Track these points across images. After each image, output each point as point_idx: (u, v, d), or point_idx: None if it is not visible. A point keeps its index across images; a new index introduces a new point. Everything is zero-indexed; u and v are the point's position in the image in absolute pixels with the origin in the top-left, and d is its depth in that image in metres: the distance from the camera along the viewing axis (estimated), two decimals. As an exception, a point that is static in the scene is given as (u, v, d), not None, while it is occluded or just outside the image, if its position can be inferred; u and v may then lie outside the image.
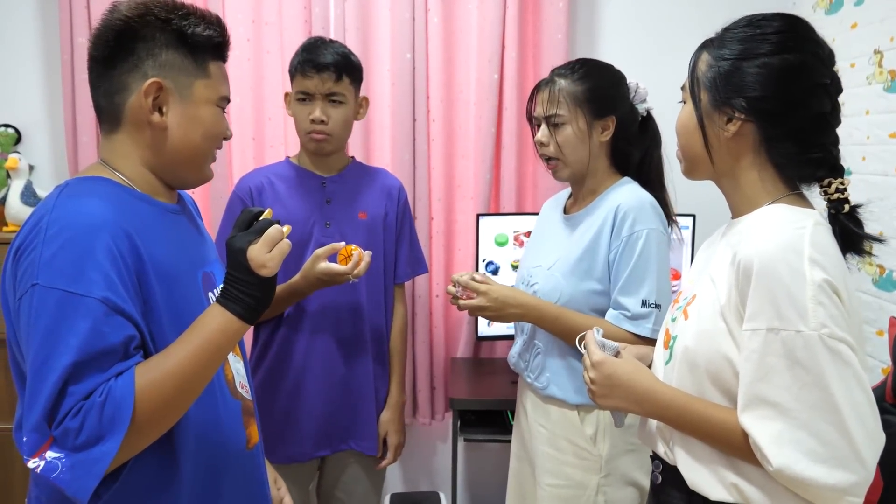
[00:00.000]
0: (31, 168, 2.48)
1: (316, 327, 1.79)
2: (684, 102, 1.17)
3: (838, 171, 1.10)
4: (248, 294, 1.02)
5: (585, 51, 2.49)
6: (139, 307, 1.00)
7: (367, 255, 1.66)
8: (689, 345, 1.11)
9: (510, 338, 2.44)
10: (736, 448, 1.05)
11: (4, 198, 2.42)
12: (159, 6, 1.10)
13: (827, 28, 2.24)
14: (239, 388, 1.20)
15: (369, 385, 1.86)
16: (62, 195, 1.03)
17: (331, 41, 1.81)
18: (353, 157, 1.93)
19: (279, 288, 1.72)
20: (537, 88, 1.64)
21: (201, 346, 0.99)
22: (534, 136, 1.66)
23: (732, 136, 1.10)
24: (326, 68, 1.72)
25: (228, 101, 1.19)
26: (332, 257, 1.67)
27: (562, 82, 1.59)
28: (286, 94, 1.84)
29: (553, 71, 1.64)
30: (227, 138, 1.20)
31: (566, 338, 1.55)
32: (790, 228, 1.02)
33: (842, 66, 2.13)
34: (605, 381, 1.16)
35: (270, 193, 1.80)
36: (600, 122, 1.59)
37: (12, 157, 2.40)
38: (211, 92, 1.14)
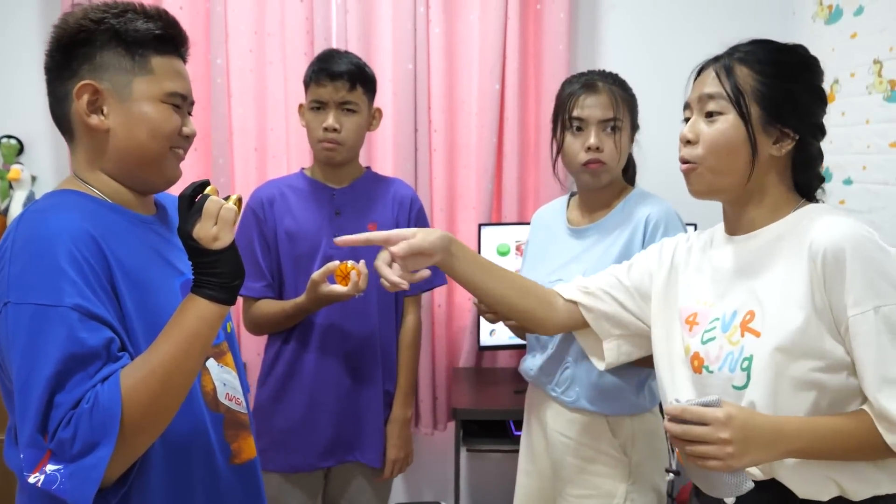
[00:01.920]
0: (34, 178, 2.49)
1: (325, 338, 1.78)
2: (713, 116, 1.15)
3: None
4: (212, 273, 1.01)
5: (587, 62, 2.50)
6: (115, 311, 1.00)
7: (362, 266, 1.65)
8: (783, 360, 1.06)
9: (512, 347, 2.46)
10: (876, 449, 1.04)
11: (7, 209, 2.42)
12: (96, 9, 1.08)
13: (827, 38, 2.27)
14: (224, 400, 1.17)
15: (377, 397, 1.84)
16: (27, 211, 1.03)
17: (346, 52, 1.82)
18: (367, 168, 1.91)
19: (287, 305, 1.74)
20: (581, 90, 1.59)
21: (181, 337, 0.98)
22: (567, 140, 1.59)
23: (781, 154, 1.14)
24: (340, 76, 1.73)
25: (182, 96, 1.13)
26: (331, 276, 1.66)
27: (614, 88, 1.57)
28: (300, 106, 1.84)
29: (591, 75, 1.62)
30: (187, 136, 1.15)
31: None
32: (849, 220, 1.08)
33: (842, 76, 2.18)
34: (742, 435, 1.01)
35: (282, 205, 1.80)
36: (633, 132, 1.63)
37: (15, 167, 2.41)
38: (153, 88, 1.09)
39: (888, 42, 1.97)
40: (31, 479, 0.90)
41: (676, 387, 1.21)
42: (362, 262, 1.67)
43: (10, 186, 2.43)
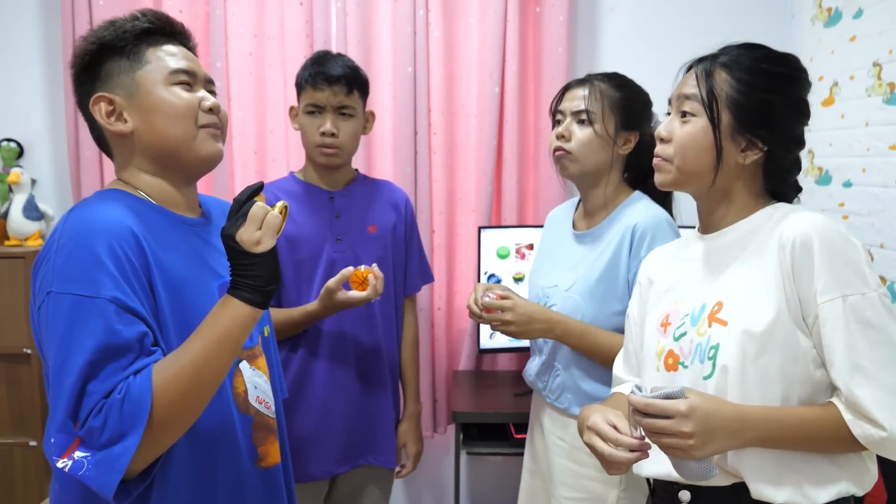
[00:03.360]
0: (34, 182, 2.48)
1: (334, 345, 1.78)
2: (686, 116, 1.16)
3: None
4: (250, 276, 1.02)
5: (586, 64, 2.50)
6: (150, 307, 1.03)
7: (377, 270, 1.65)
8: (751, 348, 1.07)
9: (513, 350, 2.46)
10: (842, 440, 1.04)
11: (6, 212, 2.41)
12: (96, 30, 1.15)
13: (826, 40, 2.27)
14: (255, 403, 1.19)
15: (387, 398, 1.85)
16: (75, 208, 1.08)
17: (339, 55, 1.81)
18: (357, 170, 1.92)
19: (295, 312, 1.72)
20: (568, 86, 1.64)
21: (214, 337, 1.00)
22: (552, 133, 1.64)
23: (745, 163, 1.15)
24: (338, 81, 1.72)
25: (188, 72, 1.16)
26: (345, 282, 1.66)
27: (600, 84, 1.58)
28: (291, 108, 1.83)
29: (589, 75, 1.63)
30: (211, 109, 1.16)
31: (591, 354, 1.54)
32: (818, 214, 1.09)
33: (841, 79, 2.18)
34: (705, 426, 1.01)
35: None
36: (625, 133, 1.59)
37: (14, 171, 2.40)
38: (155, 74, 1.13)
39: (888, 44, 1.97)
40: (60, 464, 0.93)
41: (652, 380, 1.22)
42: (374, 265, 1.67)
43: (10, 190, 2.42)
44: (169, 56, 1.16)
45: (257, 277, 1.03)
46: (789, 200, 1.21)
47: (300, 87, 1.78)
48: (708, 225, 1.22)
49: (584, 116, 1.56)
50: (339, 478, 1.86)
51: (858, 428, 1.02)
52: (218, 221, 1.24)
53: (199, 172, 1.20)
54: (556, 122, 1.63)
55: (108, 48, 1.13)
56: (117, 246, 1.01)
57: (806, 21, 2.38)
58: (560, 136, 1.59)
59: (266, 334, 1.29)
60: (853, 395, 1.02)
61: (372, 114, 1.86)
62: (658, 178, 1.22)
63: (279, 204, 1.08)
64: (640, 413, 1.03)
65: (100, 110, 1.12)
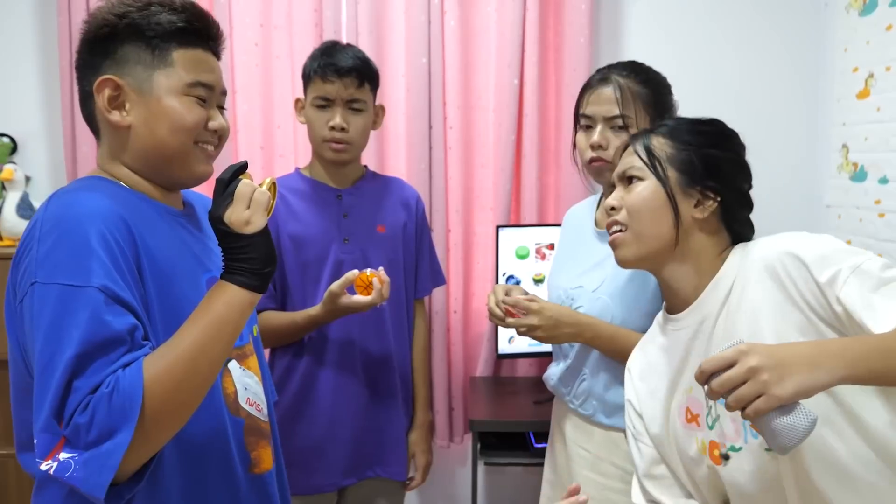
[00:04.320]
0: (28, 179, 2.44)
1: (341, 351, 1.72)
2: (633, 181, 1.19)
3: None
4: (244, 258, 0.99)
5: (610, 55, 2.42)
6: (140, 298, 0.99)
7: (382, 274, 1.59)
8: None
9: (532, 356, 2.40)
10: None
11: (-1, 210, 2.36)
12: (122, 2, 1.08)
13: (861, 30, 2.19)
14: (245, 405, 1.15)
15: (396, 407, 1.80)
16: (55, 195, 1.03)
17: (349, 45, 1.76)
18: (366, 167, 1.86)
19: (298, 316, 1.67)
20: (589, 86, 1.56)
21: (208, 323, 0.96)
22: (577, 137, 1.58)
23: (706, 215, 1.17)
24: (349, 73, 1.66)
25: (207, 87, 1.11)
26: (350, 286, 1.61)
27: (626, 83, 1.51)
28: (297, 101, 1.77)
29: (608, 69, 1.56)
30: (215, 130, 1.13)
31: (621, 358, 1.47)
32: (780, 234, 1.13)
33: (877, 71, 2.10)
34: (773, 359, 0.90)
35: (282, 208, 1.72)
36: None
37: (8, 167, 2.35)
38: (174, 81, 1.08)
39: (930, 33, 1.89)
40: (44, 467, 0.88)
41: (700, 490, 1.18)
42: (381, 268, 1.61)
43: (3, 187, 2.38)
44: (195, 64, 1.10)
45: (252, 260, 0.99)
46: (748, 239, 1.21)
47: (308, 78, 1.72)
48: (681, 301, 1.20)
49: (619, 122, 1.50)
50: (346, 491, 1.81)
51: None
52: (201, 215, 1.21)
53: (182, 185, 1.16)
54: (580, 126, 1.57)
55: (134, 31, 1.07)
56: (107, 232, 0.95)
57: (840, 9, 2.31)
58: (597, 146, 1.52)
59: (255, 333, 1.25)
60: None
61: (382, 108, 1.81)
62: (618, 255, 1.21)
63: (266, 180, 1.04)
64: (706, 382, 0.93)
65: (103, 95, 1.06)
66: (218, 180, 1.01)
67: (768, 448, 1.00)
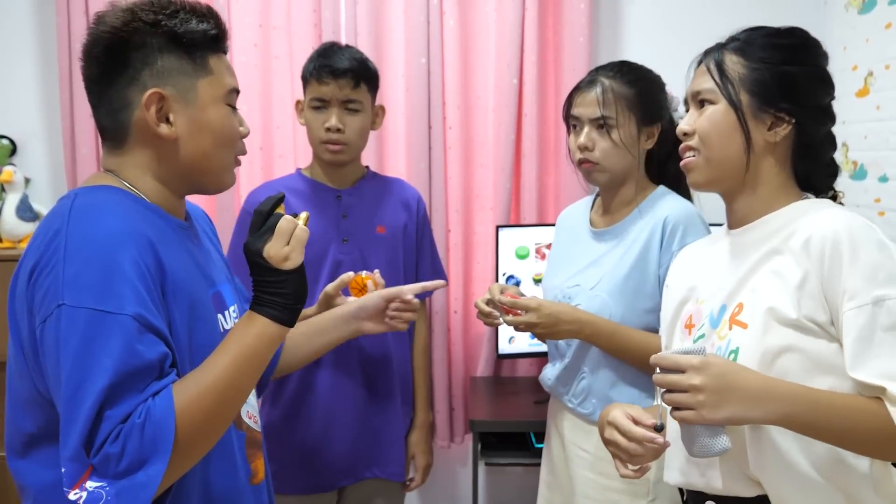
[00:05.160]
0: (27, 181, 2.43)
1: (339, 351, 1.69)
2: (704, 105, 1.14)
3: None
4: (278, 293, 0.99)
5: (609, 54, 2.41)
6: (166, 323, 0.97)
7: (378, 276, 1.59)
8: (770, 353, 1.02)
9: (533, 356, 2.39)
10: (882, 438, 0.96)
11: (-1, 212, 2.35)
12: (145, 8, 1.03)
13: (860, 28, 2.18)
14: (245, 419, 1.16)
15: (395, 408, 1.79)
16: (76, 207, 0.98)
17: (346, 46, 1.76)
18: (367, 168, 1.86)
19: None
20: (577, 88, 1.57)
21: (239, 355, 0.96)
22: (569, 139, 1.59)
23: (778, 140, 1.11)
24: (344, 74, 1.66)
25: (237, 91, 1.12)
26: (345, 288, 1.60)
27: (611, 83, 1.52)
28: (297, 102, 1.78)
29: (596, 71, 1.57)
30: (244, 136, 1.14)
31: (621, 355, 1.49)
32: (849, 213, 1.05)
33: (876, 69, 2.09)
34: (719, 383, 0.95)
35: (283, 208, 1.71)
36: (647, 128, 1.55)
37: (7, 169, 2.34)
38: (216, 89, 1.07)
39: (931, 31, 1.88)
40: (72, 496, 0.86)
41: None
42: (377, 271, 1.61)
43: (3, 189, 2.36)
44: (227, 70, 1.10)
45: (287, 295, 1.00)
46: (824, 191, 1.16)
47: (305, 80, 1.73)
48: (735, 220, 1.18)
49: (602, 122, 1.51)
50: (346, 491, 1.81)
51: None
52: (198, 224, 1.20)
53: (206, 193, 1.16)
54: (571, 128, 1.59)
55: (171, 40, 1.03)
56: (140, 258, 0.94)
57: (839, 8, 2.30)
58: (583, 148, 1.54)
59: None
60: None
61: (382, 108, 1.81)
62: (690, 179, 1.18)
63: (303, 215, 1.05)
64: (658, 371, 1.00)
65: (152, 108, 1.02)
66: (256, 212, 1.01)
67: None
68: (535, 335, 1.55)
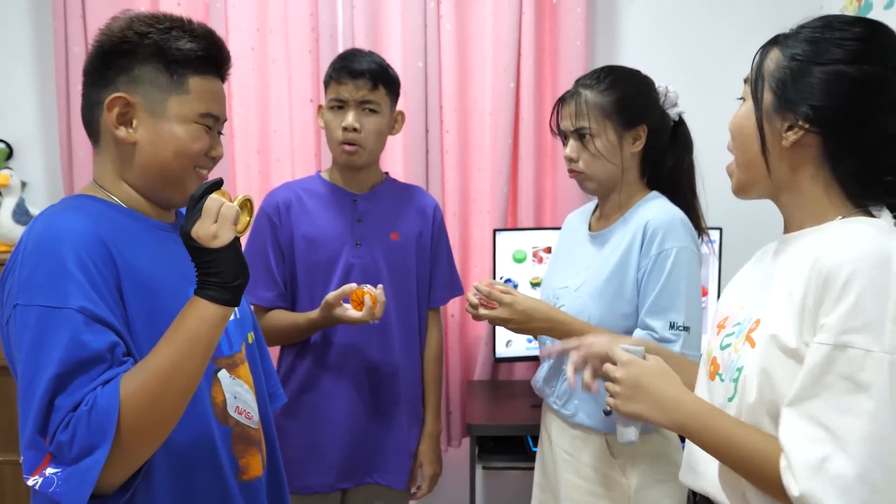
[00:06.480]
0: (24, 185, 2.42)
1: (342, 355, 1.73)
2: (743, 99, 1.07)
3: None
4: (213, 272, 1.00)
5: (606, 58, 2.42)
6: (121, 316, 1.01)
7: (379, 293, 1.60)
8: (763, 378, 0.97)
9: (530, 359, 2.39)
10: (764, 478, 0.94)
11: (-5, 216, 2.34)
12: (143, 20, 1.10)
13: None
14: (234, 413, 1.16)
15: (400, 416, 1.79)
16: (41, 215, 1.05)
17: (369, 52, 1.78)
18: (387, 174, 1.87)
19: (300, 318, 1.69)
20: (562, 101, 1.58)
21: (181, 339, 0.97)
22: (565, 149, 1.60)
23: (791, 145, 1.00)
24: (362, 75, 1.68)
25: (217, 118, 1.15)
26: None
27: (587, 94, 1.52)
28: (319, 107, 1.80)
29: (577, 82, 1.58)
30: (214, 158, 1.17)
31: None
32: (877, 243, 0.92)
33: None
34: (633, 381, 1.08)
35: (298, 209, 1.74)
36: (631, 132, 1.53)
37: (3, 173, 2.34)
38: (187, 109, 1.11)
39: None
40: (31, 482, 0.92)
41: (697, 389, 1.16)
42: (380, 287, 1.61)
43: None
44: (209, 94, 1.13)
45: (220, 273, 1.00)
46: (870, 194, 1.01)
47: (326, 83, 1.75)
48: (785, 226, 1.10)
49: (584, 132, 1.52)
50: (347, 495, 1.81)
51: (789, 479, 0.89)
52: None
53: (174, 205, 1.19)
54: (563, 139, 1.60)
55: (154, 53, 1.09)
56: (84, 253, 0.98)
57: (835, 11, 2.27)
58: (569, 160, 1.56)
59: (250, 340, 1.27)
60: (783, 441, 0.92)
61: (402, 114, 1.82)
62: (732, 186, 1.11)
63: (239, 196, 1.05)
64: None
65: (113, 111, 1.08)
66: (190, 197, 1.02)
67: (730, 398, 1.05)
68: (509, 330, 1.56)
